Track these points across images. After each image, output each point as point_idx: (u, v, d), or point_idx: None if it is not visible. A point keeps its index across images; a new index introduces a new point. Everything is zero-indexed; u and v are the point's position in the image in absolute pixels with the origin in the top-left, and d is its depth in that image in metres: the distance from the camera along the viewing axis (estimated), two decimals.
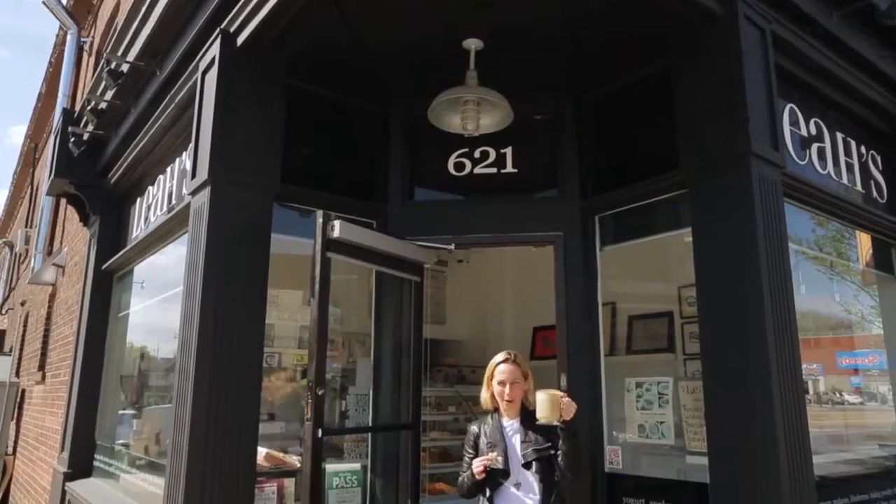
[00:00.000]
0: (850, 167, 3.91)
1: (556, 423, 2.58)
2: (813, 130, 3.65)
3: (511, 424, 2.76)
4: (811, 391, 3.75)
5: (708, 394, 2.90)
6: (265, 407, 3.81)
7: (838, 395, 4.07)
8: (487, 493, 2.67)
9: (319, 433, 2.90)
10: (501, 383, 2.76)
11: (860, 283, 4.29)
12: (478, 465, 2.64)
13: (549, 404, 2.56)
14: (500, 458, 2.65)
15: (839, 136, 3.87)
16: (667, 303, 3.82)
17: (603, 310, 3.68)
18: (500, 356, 2.84)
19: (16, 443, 8.38)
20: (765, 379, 2.73)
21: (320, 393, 2.93)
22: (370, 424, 3.81)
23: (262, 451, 3.32)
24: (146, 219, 4.71)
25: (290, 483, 3.36)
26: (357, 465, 3.66)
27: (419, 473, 3.68)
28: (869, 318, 4.32)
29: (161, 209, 4.37)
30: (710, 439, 2.87)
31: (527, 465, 2.64)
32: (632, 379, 3.49)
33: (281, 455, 3.51)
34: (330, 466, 3.52)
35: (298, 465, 3.22)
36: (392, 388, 3.80)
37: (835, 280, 4.10)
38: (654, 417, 3.35)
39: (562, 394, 2.62)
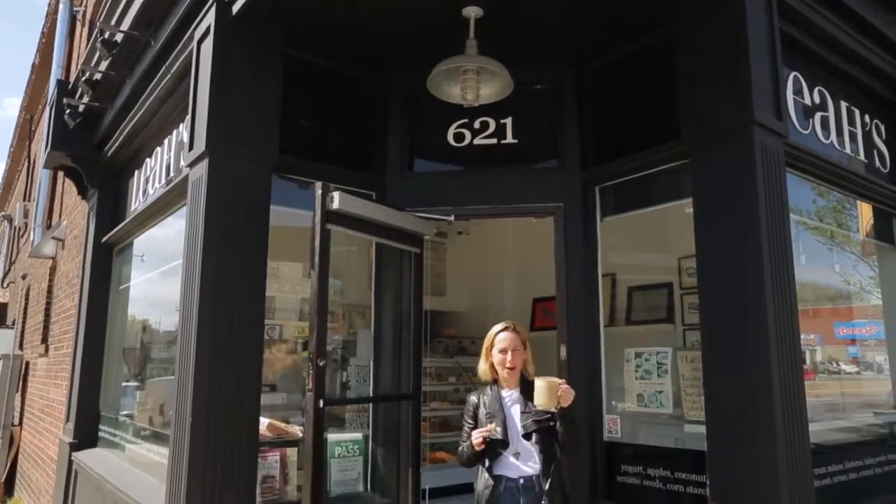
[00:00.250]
0: (853, 136, 3.87)
1: (553, 409, 2.61)
2: (816, 99, 3.61)
3: (510, 395, 2.78)
4: (808, 361, 3.78)
5: (706, 364, 2.93)
6: (267, 378, 3.85)
7: (835, 364, 4.10)
8: (487, 464, 2.70)
9: (321, 403, 2.93)
10: (503, 351, 2.78)
11: (860, 254, 4.29)
12: (477, 436, 2.66)
13: (546, 391, 2.58)
14: (499, 429, 2.67)
15: (843, 104, 3.82)
16: (666, 274, 3.83)
17: (603, 281, 3.69)
18: (498, 326, 2.86)
19: (22, 414, 8.48)
20: (763, 350, 2.74)
21: (321, 364, 2.95)
22: (371, 395, 3.85)
23: (264, 421, 3.36)
24: (144, 191, 4.69)
25: (292, 452, 3.41)
26: (359, 435, 3.71)
27: (420, 442, 3.72)
28: (868, 289, 4.33)
29: (159, 182, 4.35)
30: (708, 408, 2.90)
31: (527, 436, 2.67)
32: (631, 349, 3.51)
33: (283, 425, 3.55)
34: (332, 436, 3.57)
35: (301, 434, 3.26)
36: (393, 359, 3.83)
37: (834, 251, 4.10)
38: (653, 387, 3.38)
39: (560, 381, 2.64)
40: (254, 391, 3.11)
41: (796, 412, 2.79)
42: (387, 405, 3.82)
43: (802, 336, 3.08)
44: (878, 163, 4.08)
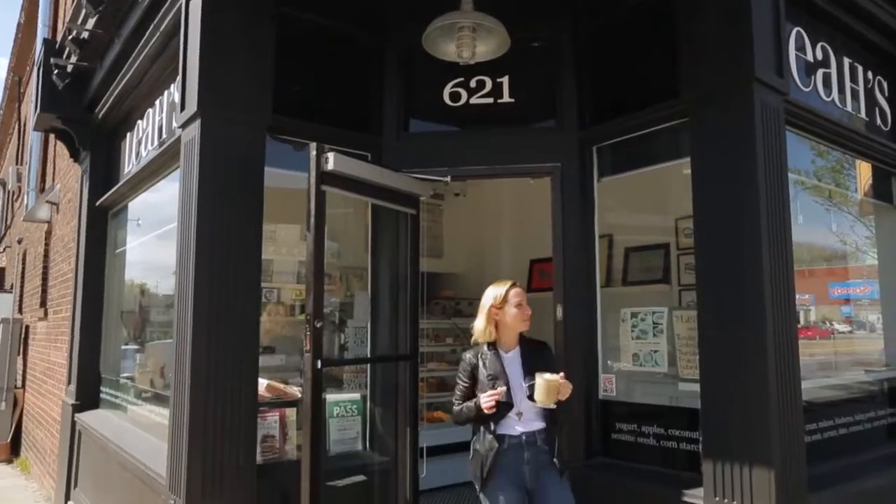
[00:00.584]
0: (854, 94, 3.82)
1: (553, 406, 2.62)
2: (819, 55, 3.55)
3: (509, 356, 2.78)
4: (802, 321, 3.81)
5: (702, 323, 2.95)
6: (266, 341, 3.88)
7: (829, 324, 4.13)
8: (492, 427, 2.68)
9: (319, 364, 2.95)
10: (519, 305, 2.78)
11: (857, 214, 4.28)
12: (487, 401, 2.63)
13: (546, 390, 2.58)
14: (503, 390, 2.67)
15: (846, 61, 3.76)
16: (663, 234, 3.82)
17: (600, 242, 3.68)
18: (505, 283, 2.85)
19: (24, 376, 8.56)
20: (758, 310, 2.76)
21: (318, 325, 2.96)
22: (368, 356, 3.88)
23: (263, 382, 3.39)
24: (137, 154, 4.63)
25: (291, 412, 3.45)
26: (357, 395, 3.75)
27: (417, 402, 3.77)
28: (863, 249, 4.34)
29: (152, 144, 4.29)
30: (703, 366, 2.93)
31: (531, 397, 2.66)
32: (627, 309, 3.53)
33: (282, 386, 3.58)
34: (330, 396, 3.61)
35: (299, 395, 3.30)
36: (390, 320, 3.85)
37: (832, 210, 4.09)
38: (649, 346, 3.41)
39: (559, 377, 2.62)
40: (252, 353, 3.13)
41: (789, 371, 2.83)
42: (384, 366, 3.86)
43: (797, 296, 3.09)
44: (878, 121, 4.03)
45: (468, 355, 2.84)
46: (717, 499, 2.80)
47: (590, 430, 3.49)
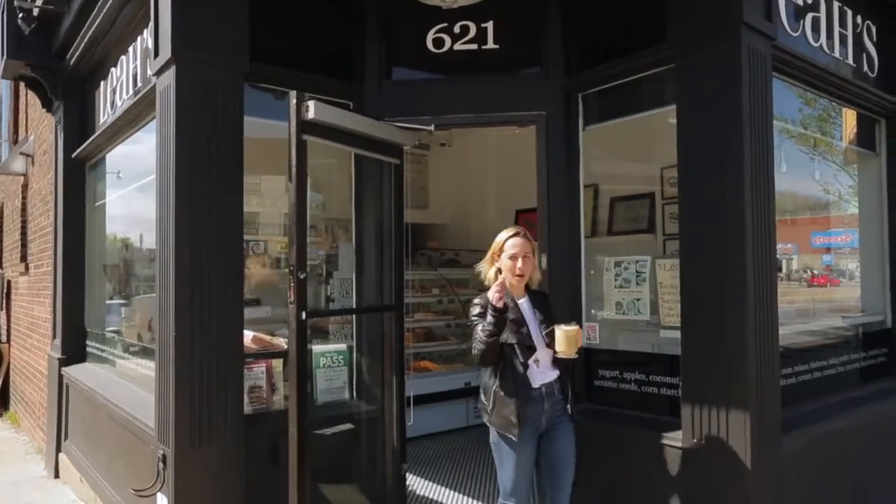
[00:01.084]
0: (843, 39, 3.76)
1: (575, 356, 2.61)
2: None
3: (522, 303, 2.77)
4: (784, 269, 3.86)
5: (684, 269, 2.97)
6: (253, 293, 3.87)
7: (809, 272, 4.19)
8: (521, 370, 2.65)
9: (303, 316, 2.95)
10: (513, 257, 2.71)
11: (841, 163, 4.29)
12: (496, 293, 2.54)
13: (566, 340, 2.57)
14: (523, 331, 2.68)
15: (836, 4, 3.69)
16: (649, 184, 3.81)
17: (585, 191, 3.67)
18: (508, 231, 2.78)
19: (8, 331, 8.53)
20: (740, 257, 2.79)
21: (302, 277, 2.95)
22: (354, 307, 3.90)
23: (249, 333, 3.40)
24: (112, 103, 4.50)
25: (278, 363, 3.47)
26: (343, 346, 3.78)
27: (403, 352, 3.81)
28: (846, 198, 4.37)
29: (127, 92, 4.16)
30: (684, 312, 2.98)
31: (549, 344, 2.66)
32: (611, 258, 3.55)
33: (268, 337, 3.60)
34: (317, 347, 3.63)
35: (285, 346, 3.31)
36: (375, 271, 3.85)
37: (816, 159, 4.09)
38: (632, 295, 3.44)
39: (577, 327, 2.62)
40: (236, 305, 3.13)
41: (768, 318, 2.88)
42: (370, 317, 3.87)
43: (780, 245, 3.12)
44: (866, 67, 4.00)
45: (479, 300, 2.74)
46: (695, 440, 2.89)
47: (573, 377, 3.54)
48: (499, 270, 2.74)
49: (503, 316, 2.59)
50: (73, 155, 5.11)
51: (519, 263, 2.71)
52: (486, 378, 2.75)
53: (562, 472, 2.72)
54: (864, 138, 4.31)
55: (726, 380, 2.81)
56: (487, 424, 2.73)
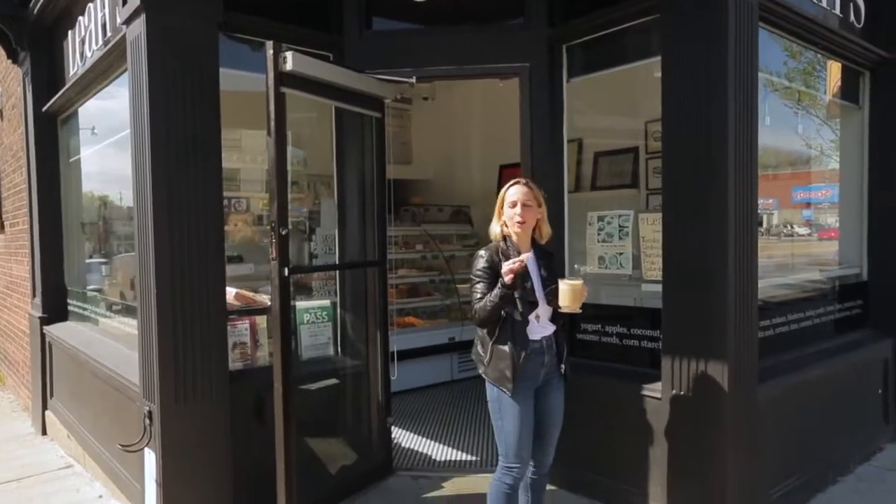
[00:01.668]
0: None
1: (579, 310, 2.52)
2: None
3: (528, 256, 2.59)
4: (765, 224, 3.89)
5: (667, 223, 2.98)
6: (235, 250, 3.84)
7: (789, 227, 4.24)
8: (521, 322, 2.55)
9: (286, 272, 2.93)
10: (513, 203, 2.59)
11: (825, 117, 4.29)
12: (508, 268, 2.42)
13: (572, 294, 2.48)
14: (527, 285, 2.56)
15: None
16: (633, 138, 3.79)
17: (569, 146, 3.64)
18: (511, 181, 2.66)
19: None
20: (722, 211, 2.80)
21: (284, 233, 2.91)
22: (337, 263, 3.88)
23: (231, 290, 3.38)
24: (82, 54, 4.33)
25: (262, 320, 3.47)
26: (327, 302, 3.78)
27: (387, 307, 3.82)
28: (828, 153, 4.39)
29: (96, 43, 4.00)
30: (666, 265, 3.00)
31: (551, 302, 2.60)
32: (594, 213, 3.55)
33: (251, 294, 3.58)
34: (300, 303, 3.63)
35: (268, 302, 3.30)
36: (358, 227, 3.82)
37: (800, 113, 4.08)
38: (614, 249, 3.46)
39: (581, 282, 2.52)
40: (217, 261, 3.09)
41: (748, 271, 2.91)
42: (354, 273, 3.87)
43: (761, 200, 3.14)
44: (852, 17, 3.95)
45: (484, 253, 2.61)
46: (674, 391, 2.96)
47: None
48: (504, 225, 2.64)
49: (512, 294, 2.50)
50: (44, 109, 4.94)
51: (517, 210, 2.57)
52: (482, 329, 2.65)
53: (551, 429, 2.68)
54: (848, 91, 4.30)
55: (706, 332, 2.86)
56: (483, 376, 2.66)
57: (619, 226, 3.44)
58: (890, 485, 3.57)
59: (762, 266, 3.07)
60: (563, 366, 2.69)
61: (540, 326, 2.61)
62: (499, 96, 4.89)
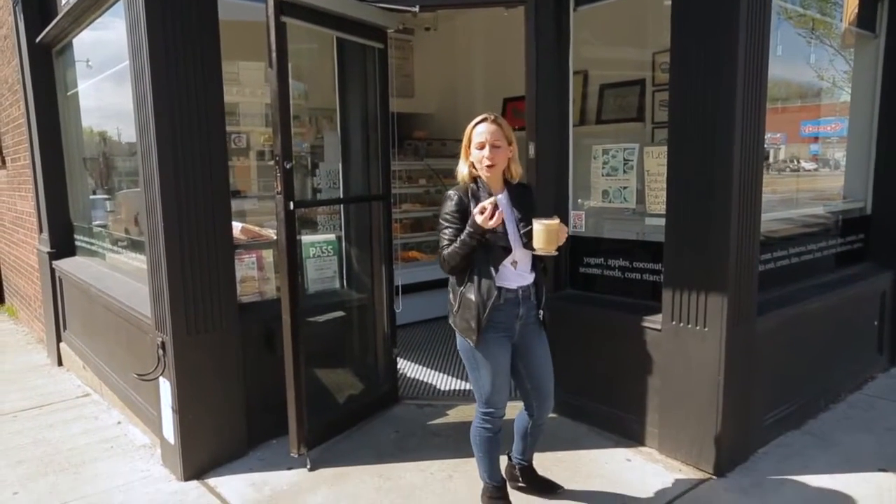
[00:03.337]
0: None
1: (555, 252, 2.34)
2: None
3: (500, 199, 2.43)
4: (771, 158, 3.86)
5: (672, 154, 2.96)
6: (239, 186, 3.83)
7: (796, 162, 4.20)
8: (492, 273, 2.38)
9: (291, 205, 2.95)
10: (480, 145, 2.38)
11: (839, 46, 4.17)
12: (482, 212, 2.26)
13: (546, 235, 2.30)
14: (498, 230, 2.36)
15: None
16: (640, 69, 3.71)
17: (574, 78, 3.57)
18: (477, 118, 2.44)
19: None
20: (728, 144, 2.77)
21: (288, 167, 2.91)
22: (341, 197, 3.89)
23: (237, 225, 3.41)
24: None
25: (268, 254, 3.52)
26: (332, 236, 3.81)
27: (392, 241, 3.85)
28: (840, 85, 4.29)
29: None
30: (670, 201, 3.00)
31: (527, 245, 2.41)
32: (598, 146, 3.52)
33: (257, 228, 3.61)
34: (306, 238, 3.66)
35: (274, 236, 3.33)
36: (361, 161, 3.81)
37: (813, 43, 3.97)
38: (619, 183, 3.45)
39: (557, 221, 2.32)
40: (222, 195, 3.11)
41: (751, 204, 2.92)
42: (358, 207, 3.88)
43: (769, 135, 3.10)
44: None
45: (453, 193, 2.44)
46: (674, 323, 3.02)
47: (559, 265, 3.65)
48: (472, 166, 2.45)
49: (484, 238, 2.32)
50: (37, 40, 4.83)
51: (485, 152, 2.37)
52: (453, 277, 2.50)
53: (543, 381, 2.57)
54: (865, 18, 4.17)
55: (707, 265, 2.89)
56: (451, 325, 2.53)
57: (624, 159, 3.42)
58: (879, 412, 3.69)
59: (766, 200, 3.07)
60: (541, 312, 2.54)
61: (517, 274, 2.45)
62: (503, 26, 4.76)
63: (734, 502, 2.76)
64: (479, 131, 2.41)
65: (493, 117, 2.43)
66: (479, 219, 2.28)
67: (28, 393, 4.62)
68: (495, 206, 2.28)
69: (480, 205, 2.30)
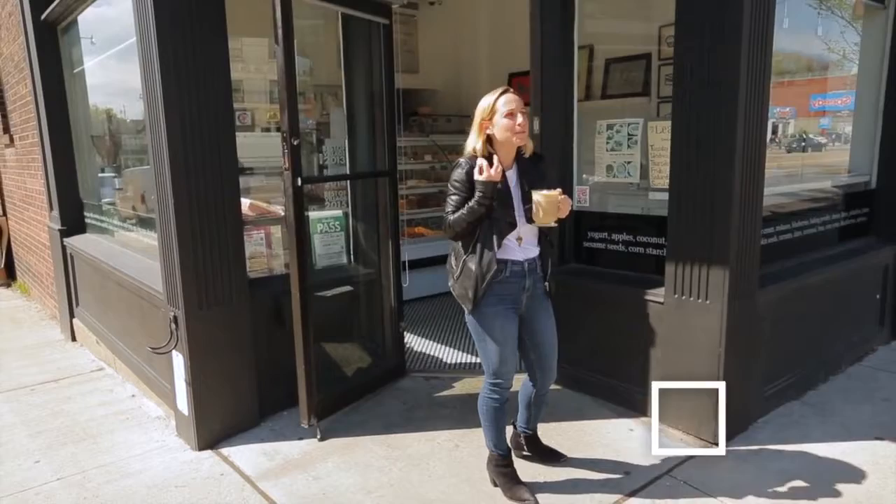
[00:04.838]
0: None
1: (555, 224, 2.38)
2: None
3: (510, 174, 2.48)
4: (780, 133, 3.85)
5: (675, 128, 2.97)
6: (246, 163, 3.86)
7: (805, 136, 4.19)
8: (495, 244, 2.40)
9: (298, 182, 2.99)
10: (510, 114, 2.38)
11: (849, 18, 4.13)
12: (482, 171, 2.32)
13: (545, 206, 2.32)
14: (500, 208, 2.39)
15: None
16: (645, 43, 3.70)
17: (579, 53, 3.57)
18: (496, 91, 2.45)
19: (3, 204, 8.55)
20: (731, 118, 2.78)
21: (295, 143, 2.94)
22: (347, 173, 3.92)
23: (245, 201, 3.45)
24: None
25: (276, 230, 3.57)
26: (339, 212, 3.85)
27: (398, 217, 3.89)
28: (849, 57, 4.26)
29: None
30: (673, 175, 3.02)
31: (530, 220, 2.44)
32: (603, 121, 3.53)
33: (265, 205, 3.66)
34: (313, 214, 3.71)
35: (282, 212, 3.38)
36: (367, 138, 3.83)
37: (822, 14, 3.94)
38: (623, 158, 3.47)
39: (558, 192, 2.35)
40: (231, 171, 3.15)
41: (754, 178, 2.94)
42: (365, 184, 3.92)
43: (777, 109, 3.10)
44: None
45: (465, 161, 2.44)
46: (677, 296, 3.07)
47: (563, 239, 3.69)
48: (488, 141, 2.44)
49: (492, 204, 2.36)
50: (42, 17, 4.84)
51: (519, 119, 2.38)
52: (457, 242, 2.53)
53: (548, 353, 2.64)
54: None
55: (709, 239, 2.93)
56: (450, 290, 2.57)
57: (628, 134, 3.44)
58: (878, 383, 3.75)
59: (770, 175, 3.08)
60: (546, 283, 2.59)
61: (521, 249, 2.48)
62: (508, 0, 4.73)
63: (733, 469, 2.83)
64: (506, 100, 2.42)
65: (511, 89, 2.46)
66: (480, 178, 2.34)
67: (45, 367, 4.73)
68: (490, 162, 2.35)
69: (477, 166, 2.36)
